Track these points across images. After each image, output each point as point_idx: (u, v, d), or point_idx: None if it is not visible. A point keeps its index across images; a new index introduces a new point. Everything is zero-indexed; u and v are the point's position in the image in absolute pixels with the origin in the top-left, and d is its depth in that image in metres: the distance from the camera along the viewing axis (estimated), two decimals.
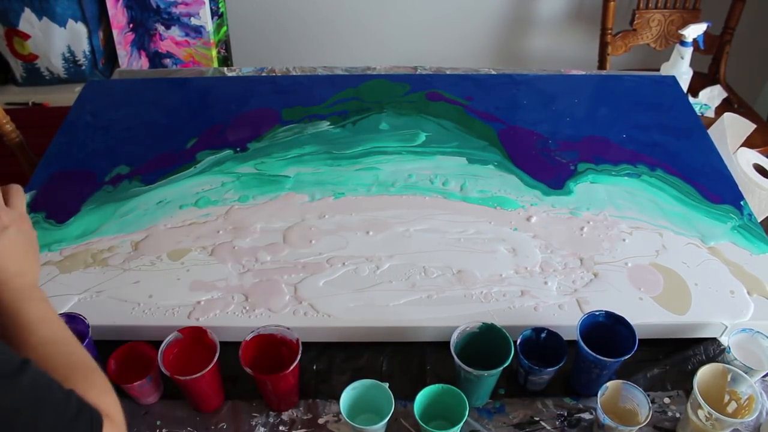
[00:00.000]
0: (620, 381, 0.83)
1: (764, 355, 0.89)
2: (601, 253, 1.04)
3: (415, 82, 1.42)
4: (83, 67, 1.91)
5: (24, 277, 0.67)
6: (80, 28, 1.84)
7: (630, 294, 0.98)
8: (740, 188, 1.18)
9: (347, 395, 0.81)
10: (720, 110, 1.91)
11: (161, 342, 0.83)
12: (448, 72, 1.48)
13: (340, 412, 0.80)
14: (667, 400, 0.90)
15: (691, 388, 0.80)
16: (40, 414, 0.51)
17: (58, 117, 1.34)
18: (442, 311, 0.95)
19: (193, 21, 1.94)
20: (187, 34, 1.96)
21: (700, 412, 0.80)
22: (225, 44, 2.14)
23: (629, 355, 0.83)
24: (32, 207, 1.11)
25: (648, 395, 0.81)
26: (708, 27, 1.57)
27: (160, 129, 1.29)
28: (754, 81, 2.38)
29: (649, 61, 2.23)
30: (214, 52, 2.02)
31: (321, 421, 0.87)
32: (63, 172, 1.19)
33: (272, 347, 0.86)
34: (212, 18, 1.97)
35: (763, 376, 0.91)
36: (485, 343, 0.86)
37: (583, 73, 1.51)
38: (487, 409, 0.89)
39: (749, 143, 1.51)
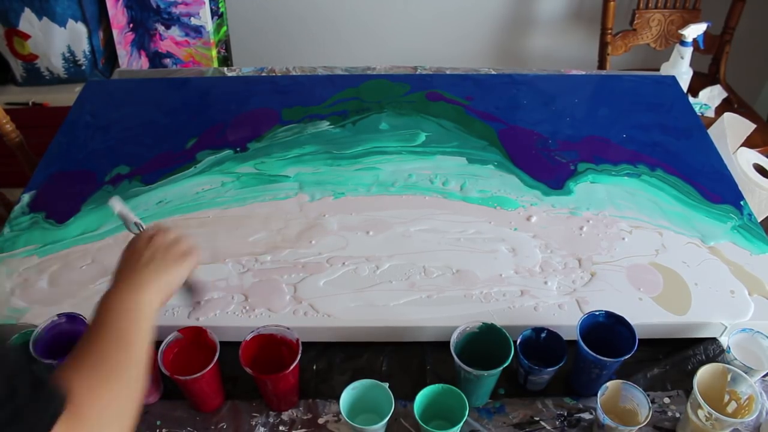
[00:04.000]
0: (620, 381, 0.83)
1: (764, 355, 0.89)
2: (600, 253, 1.04)
3: (415, 82, 1.42)
4: (83, 67, 1.91)
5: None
6: (80, 28, 1.84)
7: (630, 294, 0.98)
8: (740, 188, 1.18)
9: (347, 395, 0.81)
10: (720, 110, 1.91)
11: (161, 342, 0.83)
12: (448, 72, 1.48)
13: (340, 412, 0.80)
14: (667, 400, 0.90)
15: (691, 388, 0.80)
16: None
17: (58, 117, 1.34)
18: (442, 311, 0.95)
19: (193, 21, 1.94)
20: (187, 34, 1.96)
21: (700, 412, 0.80)
22: (225, 44, 2.14)
23: (629, 355, 0.83)
24: (32, 207, 1.11)
25: (648, 395, 0.81)
26: (708, 27, 1.57)
27: (160, 129, 1.29)
28: (754, 81, 2.38)
29: (649, 61, 2.23)
30: (214, 52, 2.02)
31: (321, 421, 0.87)
32: (63, 172, 1.19)
33: (272, 347, 0.86)
34: (212, 18, 1.97)
35: (763, 376, 0.91)
36: (485, 343, 0.86)
37: (583, 73, 1.51)
38: (487, 409, 0.89)
39: (749, 143, 1.51)
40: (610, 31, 2.01)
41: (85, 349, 0.63)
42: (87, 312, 0.89)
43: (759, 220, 1.12)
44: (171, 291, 0.76)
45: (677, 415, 0.88)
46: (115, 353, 0.64)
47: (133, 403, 0.62)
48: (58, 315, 0.87)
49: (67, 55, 1.88)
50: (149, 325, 0.69)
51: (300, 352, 0.82)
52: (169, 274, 0.75)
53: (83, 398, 0.56)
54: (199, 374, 0.80)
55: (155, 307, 0.72)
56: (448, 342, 0.84)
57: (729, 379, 0.83)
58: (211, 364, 0.81)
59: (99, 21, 1.90)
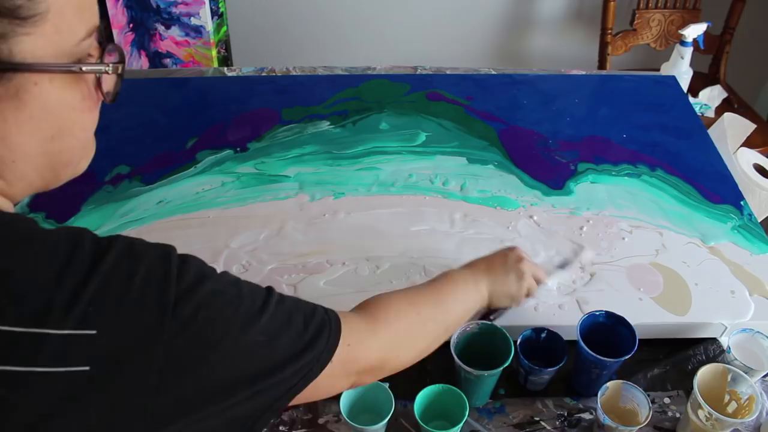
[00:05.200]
0: (620, 381, 0.83)
1: (764, 355, 0.89)
2: (600, 253, 1.04)
3: (415, 82, 1.42)
4: None
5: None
6: None
7: (630, 294, 0.98)
8: (740, 188, 1.18)
9: (347, 395, 0.81)
10: (720, 110, 1.91)
11: None
12: (448, 72, 1.48)
13: (340, 412, 0.80)
14: (667, 400, 0.90)
15: (692, 388, 0.80)
16: (277, 346, 0.56)
17: None
18: None
19: (193, 21, 1.94)
20: (187, 34, 1.96)
21: (700, 412, 0.80)
22: (225, 44, 2.14)
23: (629, 356, 0.83)
24: (32, 207, 1.11)
25: (648, 395, 0.81)
26: (708, 27, 1.57)
27: (160, 129, 1.29)
28: (754, 81, 2.38)
29: (649, 61, 2.23)
30: (214, 52, 2.02)
31: (321, 421, 0.87)
32: None
33: None
34: (212, 18, 1.97)
35: (764, 376, 0.91)
36: (485, 343, 0.86)
37: (583, 73, 1.51)
38: (487, 409, 0.89)
39: (749, 143, 1.50)
40: (610, 31, 2.01)
41: (409, 289, 0.75)
42: None
43: (759, 220, 1.12)
44: (496, 303, 0.86)
45: (677, 415, 0.88)
46: (426, 297, 0.75)
47: (423, 341, 0.72)
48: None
49: None
50: (466, 311, 0.80)
51: None
52: (509, 293, 0.85)
53: (381, 308, 0.69)
54: None
55: (478, 305, 0.82)
56: (448, 342, 0.84)
57: (729, 379, 0.83)
58: None
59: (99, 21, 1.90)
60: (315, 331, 0.60)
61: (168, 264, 0.51)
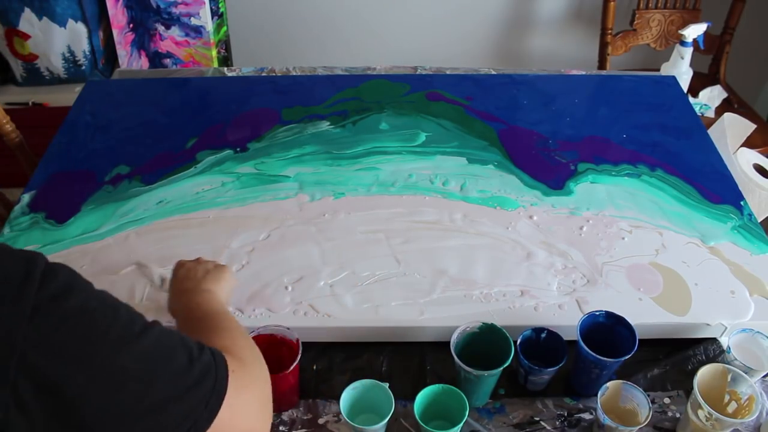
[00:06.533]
0: (620, 381, 0.83)
1: (764, 355, 0.89)
2: (600, 253, 1.04)
3: (415, 82, 1.42)
4: (83, 67, 1.91)
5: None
6: (80, 28, 1.84)
7: (630, 294, 0.98)
8: (740, 188, 1.18)
9: (347, 395, 0.81)
10: (720, 110, 1.91)
11: None
12: (448, 72, 1.48)
13: (340, 412, 0.80)
14: (667, 400, 0.90)
15: (692, 388, 0.80)
16: (155, 380, 0.48)
17: (58, 117, 1.34)
18: (442, 311, 0.95)
19: (193, 21, 1.94)
20: (187, 34, 1.96)
21: (700, 412, 0.80)
22: (225, 44, 2.14)
23: (629, 356, 0.83)
24: (32, 207, 1.11)
25: (648, 395, 0.81)
26: (708, 27, 1.57)
27: (160, 129, 1.29)
28: (754, 81, 2.38)
29: (649, 61, 2.23)
30: (214, 52, 2.02)
31: (321, 421, 0.87)
32: (63, 172, 1.18)
33: (272, 347, 0.85)
34: (212, 18, 1.97)
35: (763, 376, 0.91)
36: (485, 343, 0.86)
37: (583, 73, 1.51)
38: (487, 409, 0.89)
39: (749, 143, 1.51)
40: (610, 31, 2.00)
41: (193, 326, 0.69)
42: None
43: (759, 220, 1.12)
44: (228, 294, 0.85)
45: (677, 415, 0.88)
46: (221, 320, 0.71)
47: (257, 351, 0.67)
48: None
49: (67, 55, 1.88)
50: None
51: (300, 352, 0.82)
52: (222, 279, 0.85)
53: (228, 348, 0.60)
54: None
55: (223, 299, 0.81)
56: (448, 342, 0.84)
57: (729, 379, 0.83)
58: None
59: (99, 21, 1.90)
60: (201, 370, 0.51)
61: (31, 267, 0.45)
